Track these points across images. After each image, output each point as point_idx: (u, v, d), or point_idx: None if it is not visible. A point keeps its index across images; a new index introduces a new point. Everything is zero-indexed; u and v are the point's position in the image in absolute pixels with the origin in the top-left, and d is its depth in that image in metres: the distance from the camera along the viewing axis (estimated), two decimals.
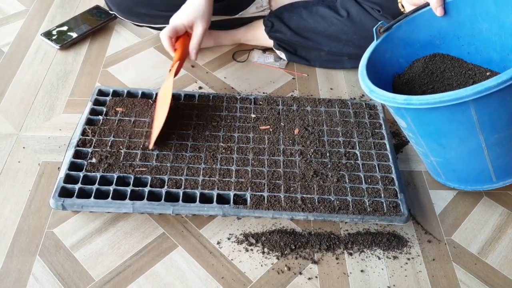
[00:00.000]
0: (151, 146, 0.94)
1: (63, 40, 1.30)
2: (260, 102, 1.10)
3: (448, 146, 0.86)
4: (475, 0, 0.90)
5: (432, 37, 0.97)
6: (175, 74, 1.01)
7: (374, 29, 0.93)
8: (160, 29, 1.31)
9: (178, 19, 1.05)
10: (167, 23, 1.25)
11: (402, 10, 1.00)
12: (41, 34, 1.32)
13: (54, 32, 1.32)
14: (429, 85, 0.96)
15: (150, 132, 0.98)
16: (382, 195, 0.91)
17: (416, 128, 0.86)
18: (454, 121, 0.79)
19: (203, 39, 1.07)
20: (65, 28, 1.34)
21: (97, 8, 1.42)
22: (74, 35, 1.31)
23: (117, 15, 1.26)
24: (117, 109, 1.03)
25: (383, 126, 1.06)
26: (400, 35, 0.95)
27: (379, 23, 0.94)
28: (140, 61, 1.27)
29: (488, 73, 0.97)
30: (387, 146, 1.01)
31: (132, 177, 0.90)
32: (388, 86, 0.97)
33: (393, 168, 0.96)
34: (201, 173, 0.92)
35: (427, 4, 0.93)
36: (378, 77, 0.91)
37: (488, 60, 0.95)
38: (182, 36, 1.07)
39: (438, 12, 0.91)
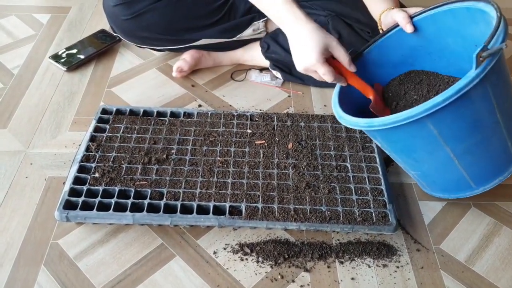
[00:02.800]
0: None
1: (70, 62, 1.36)
2: (256, 119, 1.15)
3: (420, 160, 0.90)
4: (435, 18, 0.95)
5: (405, 56, 1.01)
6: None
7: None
8: (160, 50, 1.37)
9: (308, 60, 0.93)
10: (167, 45, 1.31)
11: (381, 32, 1.05)
12: (49, 57, 1.38)
13: (62, 55, 1.39)
14: (402, 101, 1.00)
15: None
16: (372, 206, 0.95)
17: (387, 146, 0.91)
18: (417, 137, 0.84)
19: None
20: (72, 51, 1.40)
21: (102, 31, 1.48)
22: (81, 57, 1.37)
23: (121, 37, 1.32)
24: (119, 126, 1.08)
25: (373, 140, 1.10)
26: (371, 59, 1.00)
27: (350, 50, 0.97)
28: (143, 81, 1.33)
29: None
30: (377, 159, 1.05)
31: (133, 190, 0.95)
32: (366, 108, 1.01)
33: (382, 180, 1.00)
34: (199, 185, 0.97)
35: (397, 26, 0.98)
36: (356, 101, 0.96)
37: (461, 71, 0.99)
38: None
39: (408, 28, 0.96)
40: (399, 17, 0.97)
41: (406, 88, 1.00)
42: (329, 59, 0.93)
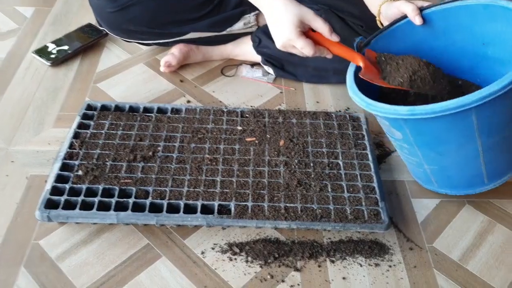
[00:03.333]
0: None
1: (55, 57, 1.32)
2: (247, 115, 1.12)
3: (446, 153, 0.88)
4: (448, 14, 0.93)
5: (407, 50, 0.99)
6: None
7: (354, 44, 0.95)
8: (148, 44, 1.34)
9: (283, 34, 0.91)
10: (154, 39, 1.28)
11: (380, 27, 1.03)
12: (32, 52, 1.34)
13: (46, 49, 1.35)
14: (406, 96, 0.99)
15: None
16: (363, 203, 0.93)
17: (413, 139, 0.87)
18: (454, 129, 0.81)
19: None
20: (56, 45, 1.36)
21: (89, 26, 1.44)
22: (66, 52, 1.34)
23: (107, 31, 1.29)
24: (104, 122, 1.05)
25: (365, 137, 1.08)
26: (378, 49, 0.98)
27: (359, 38, 0.96)
28: (130, 76, 1.30)
29: (459, 82, 0.99)
30: (369, 156, 1.03)
31: (117, 188, 0.92)
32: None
33: (374, 177, 0.98)
34: (186, 184, 0.94)
35: (403, 18, 0.96)
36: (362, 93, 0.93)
37: (460, 69, 0.98)
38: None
39: (417, 21, 0.94)
40: (408, 8, 0.94)
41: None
42: (309, 32, 0.90)
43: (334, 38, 0.90)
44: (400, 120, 0.83)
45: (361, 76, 0.88)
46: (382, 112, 0.81)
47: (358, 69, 0.92)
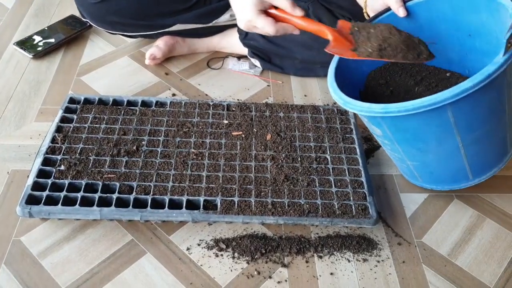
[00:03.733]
0: None
1: (37, 49, 1.29)
2: (233, 109, 1.11)
3: (426, 149, 0.87)
4: (431, 5, 0.92)
5: None
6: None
7: None
8: (132, 37, 1.32)
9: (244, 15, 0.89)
10: (139, 31, 1.25)
11: (367, 18, 1.02)
12: (14, 43, 1.31)
13: (28, 41, 1.32)
14: (388, 92, 0.98)
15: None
16: (351, 198, 0.92)
17: (392, 135, 0.86)
18: (431, 125, 0.80)
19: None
20: (39, 37, 1.33)
21: (72, 17, 1.41)
22: (48, 44, 1.31)
23: (90, 23, 1.26)
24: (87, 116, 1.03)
25: (353, 131, 1.06)
26: None
27: None
28: (115, 69, 1.27)
29: (448, 74, 0.98)
30: (357, 150, 1.02)
31: (101, 183, 0.89)
32: (355, 95, 0.97)
33: (362, 172, 0.97)
34: (171, 179, 0.92)
35: (388, 10, 0.95)
36: (345, 87, 0.91)
37: (448, 61, 0.97)
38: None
39: (401, 12, 0.92)
40: (391, 0, 0.93)
41: (390, 78, 0.97)
42: (271, 13, 0.88)
43: (298, 12, 0.87)
44: (378, 118, 0.82)
45: (327, 51, 0.84)
46: (358, 110, 0.81)
47: (339, 63, 0.90)
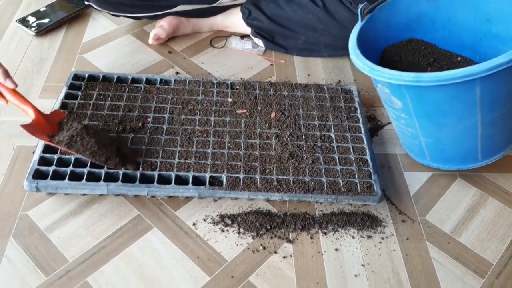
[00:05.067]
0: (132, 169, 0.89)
1: (39, 26, 1.28)
2: (237, 87, 1.11)
3: (444, 125, 0.87)
4: None
5: (410, 21, 0.98)
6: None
7: (358, 10, 0.93)
8: (137, 18, 1.31)
9: None
10: (142, 12, 1.25)
11: None
12: (16, 21, 1.30)
13: (30, 19, 1.31)
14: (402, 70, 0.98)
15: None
16: (356, 176, 0.92)
17: (413, 108, 0.86)
18: (457, 99, 0.80)
19: None
20: (41, 15, 1.32)
21: None
22: (50, 22, 1.30)
23: (93, 5, 1.24)
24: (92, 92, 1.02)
25: (358, 110, 1.07)
26: (381, 17, 0.96)
27: (363, 4, 0.93)
28: (117, 47, 1.27)
29: (459, 58, 0.98)
30: (362, 129, 1.02)
31: None
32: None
33: (367, 150, 0.97)
34: (177, 155, 0.92)
35: None
36: (375, 50, 0.92)
37: (460, 45, 0.97)
38: None
39: None
40: None
41: (404, 56, 0.97)
42: None
43: (9, 84, 0.85)
44: (403, 88, 0.81)
45: (21, 127, 0.83)
46: (387, 77, 0.79)
47: (361, 32, 0.90)
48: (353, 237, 0.88)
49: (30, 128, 0.84)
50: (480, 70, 0.72)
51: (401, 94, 0.84)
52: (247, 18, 1.27)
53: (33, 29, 1.27)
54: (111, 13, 1.27)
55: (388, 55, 1.00)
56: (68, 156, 0.89)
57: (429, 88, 0.78)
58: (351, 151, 0.97)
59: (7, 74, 0.85)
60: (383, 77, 0.80)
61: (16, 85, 0.87)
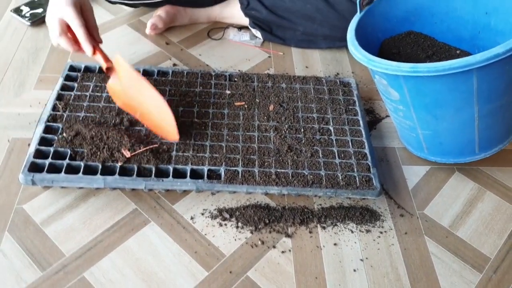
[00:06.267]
0: (177, 137, 0.90)
1: (34, 16, 1.27)
2: (235, 79, 1.09)
3: (442, 117, 0.87)
4: None
5: (408, 13, 0.97)
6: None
7: (357, 1, 0.92)
8: (134, 6, 1.29)
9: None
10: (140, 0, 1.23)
11: None
12: (11, 10, 1.28)
13: (24, 9, 1.29)
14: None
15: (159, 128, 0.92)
16: (355, 170, 0.92)
17: (411, 100, 0.85)
18: (454, 90, 0.80)
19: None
20: (35, 4, 1.30)
21: None
22: (44, 12, 1.27)
23: None
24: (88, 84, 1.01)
25: (356, 102, 1.06)
26: (380, 10, 0.96)
27: None
28: (114, 38, 1.25)
29: (458, 52, 0.98)
30: (360, 122, 1.01)
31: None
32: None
33: (366, 144, 0.97)
34: (174, 148, 0.91)
35: None
36: (373, 42, 0.91)
37: (459, 39, 0.97)
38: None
39: None
40: None
41: (402, 48, 0.97)
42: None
43: (97, 37, 0.95)
44: (401, 78, 0.81)
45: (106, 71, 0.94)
46: (384, 68, 0.79)
47: (359, 24, 0.90)
48: (352, 232, 0.88)
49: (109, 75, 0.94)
50: (477, 61, 0.72)
51: (399, 85, 0.84)
52: (246, 8, 1.26)
53: (26, 19, 1.25)
54: (107, 0, 1.25)
55: (386, 47, 1.00)
56: (64, 149, 0.88)
57: (427, 78, 0.78)
58: (350, 144, 0.97)
59: (87, 36, 0.90)
60: (380, 67, 0.80)
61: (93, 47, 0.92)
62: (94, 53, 0.91)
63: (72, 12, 0.87)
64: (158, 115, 0.91)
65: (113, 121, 0.94)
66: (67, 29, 0.90)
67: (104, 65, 0.92)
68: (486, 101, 0.81)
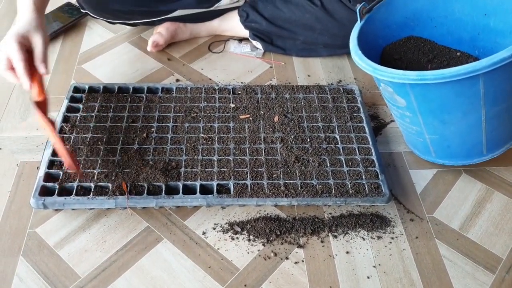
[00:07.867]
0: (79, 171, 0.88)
1: None
2: (239, 92, 1.10)
3: (449, 121, 0.87)
4: None
5: (407, 19, 0.98)
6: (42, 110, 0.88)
7: (357, 10, 0.93)
8: (134, 25, 1.30)
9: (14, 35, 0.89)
10: (140, 19, 1.24)
11: None
12: None
13: None
14: (403, 68, 0.98)
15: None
16: (364, 177, 0.92)
17: (418, 106, 0.86)
18: (461, 95, 0.80)
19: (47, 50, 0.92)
20: None
21: (68, 5, 1.39)
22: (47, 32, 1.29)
23: (90, 13, 1.23)
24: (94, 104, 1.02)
25: (361, 109, 1.06)
26: (380, 17, 0.96)
27: (361, 4, 0.93)
28: (115, 56, 1.26)
29: (458, 53, 0.98)
30: (366, 129, 1.02)
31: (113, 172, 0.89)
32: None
33: (373, 150, 0.97)
34: (183, 164, 0.92)
35: None
36: (375, 49, 0.92)
37: (459, 41, 0.97)
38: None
39: None
40: None
41: (403, 53, 0.97)
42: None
43: (41, 68, 0.89)
44: (407, 86, 0.82)
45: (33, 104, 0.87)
46: (390, 77, 0.80)
47: (361, 32, 0.90)
48: (364, 239, 0.88)
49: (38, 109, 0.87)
50: (484, 66, 0.73)
51: (405, 93, 0.84)
52: (245, 21, 1.27)
53: None
54: (108, 20, 1.26)
55: (388, 53, 1.00)
56: (74, 171, 0.89)
57: (433, 85, 0.78)
58: (357, 152, 0.97)
59: (43, 59, 0.89)
60: (386, 76, 0.81)
61: (47, 72, 0.90)
62: (31, 86, 0.88)
63: (13, 47, 0.86)
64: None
65: (120, 141, 0.95)
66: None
67: (34, 98, 0.88)
68: (493, 103, 0.81)
